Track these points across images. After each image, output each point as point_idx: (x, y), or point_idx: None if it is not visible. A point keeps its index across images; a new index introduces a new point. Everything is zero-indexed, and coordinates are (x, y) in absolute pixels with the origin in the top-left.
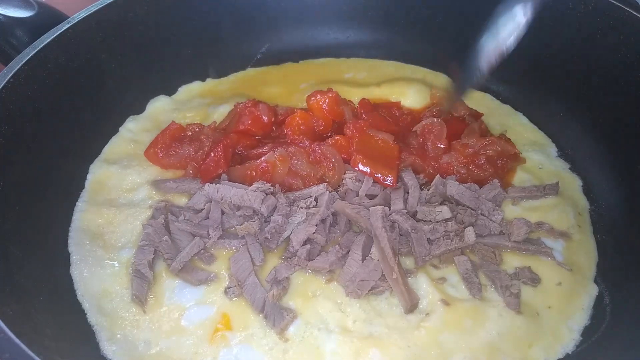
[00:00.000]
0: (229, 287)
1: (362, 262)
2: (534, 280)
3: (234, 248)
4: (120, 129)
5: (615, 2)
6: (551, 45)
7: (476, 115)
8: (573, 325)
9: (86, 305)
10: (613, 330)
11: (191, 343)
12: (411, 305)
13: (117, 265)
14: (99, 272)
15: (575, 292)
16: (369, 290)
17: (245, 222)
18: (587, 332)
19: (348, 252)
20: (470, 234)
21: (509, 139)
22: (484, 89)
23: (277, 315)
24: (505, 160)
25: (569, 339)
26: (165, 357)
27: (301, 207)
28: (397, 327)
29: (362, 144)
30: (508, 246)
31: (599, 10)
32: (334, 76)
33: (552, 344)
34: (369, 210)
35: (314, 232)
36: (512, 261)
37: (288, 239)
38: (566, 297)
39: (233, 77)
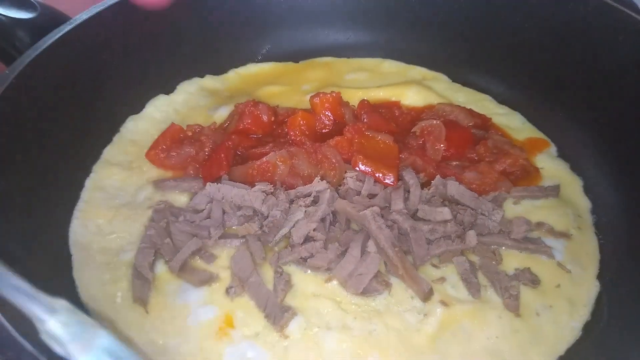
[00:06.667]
0: (231, 287)
1: (361, 257)
2: (534, 281)
3: (234, 247)
4: (120, 129)
5: (613, 3)
6: (550, 46)
7: (484, 120)
8: (574, 324)
9: (89, 307)
10: (610, 330)
11: (196, 341)
12: (425, 293)
13: (117, 267)
14: (100, 274)
15: (575, 292)
16: (367, 293)
17: (246, 223)
18: (587, 327)
19: (347, 249)
20: (472, 237)
21: (523, 149)
22: (483, 89)
23: (277, 313)
24: (521, 172)
25: (570, 337)
26: (170, 354)
27: (300, 206)
28: (396, 327)
29: (362, 145)
30: (508, 244)
31: (597, 11)
32: (335, 77)
33: (554, 343)
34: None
35: (314, 230)
36: (512, 262)
37: (288, 237)
38: (567, 297)
39: (234, 75)
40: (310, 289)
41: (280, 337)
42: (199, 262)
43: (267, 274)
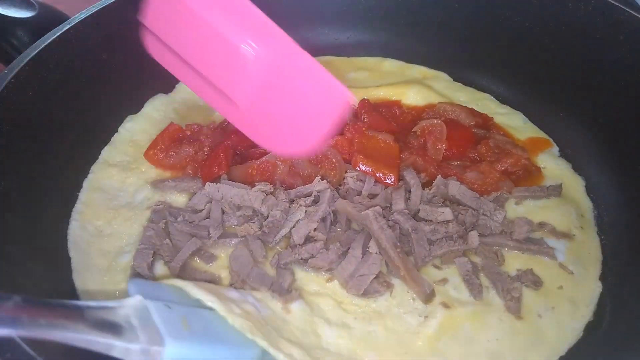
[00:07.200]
0: (231, 285)
1: (362, 258)
2: (537, 283)
3: (233, 245)
4: (119, 129)
5: (614, 3)
6: (551, 46)
7: (486, 120)
8: (576, 324)
9: None
10: (612, 331)
11: None
12: (427, 294)
13: (117, 269)
14: (99, 276)
15: (578, 293)
16: (369, 294)
17: (246, 224)
18: (589, 327)
19: (348, 249)
20: (474, 238)
21: (525, 149)
22: (484, 89)
23: (282, 291)
24: (523, 172)
25: (572, 337)
26: None
27: (301, 205)
28: (396, 328)
29: (363, 144)
30: (510, 245)
31: (598, 10)
32: (335, 76)
33: (555, 344)
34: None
35: (315, 230)
36: (514, 263)
37: (288, 237)
38: (569, 298)
39: None
40: (312, 287)
41: (283, 310)
42: (199, 263)
43: (269, 272)
